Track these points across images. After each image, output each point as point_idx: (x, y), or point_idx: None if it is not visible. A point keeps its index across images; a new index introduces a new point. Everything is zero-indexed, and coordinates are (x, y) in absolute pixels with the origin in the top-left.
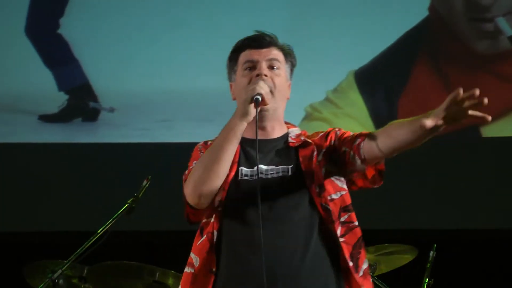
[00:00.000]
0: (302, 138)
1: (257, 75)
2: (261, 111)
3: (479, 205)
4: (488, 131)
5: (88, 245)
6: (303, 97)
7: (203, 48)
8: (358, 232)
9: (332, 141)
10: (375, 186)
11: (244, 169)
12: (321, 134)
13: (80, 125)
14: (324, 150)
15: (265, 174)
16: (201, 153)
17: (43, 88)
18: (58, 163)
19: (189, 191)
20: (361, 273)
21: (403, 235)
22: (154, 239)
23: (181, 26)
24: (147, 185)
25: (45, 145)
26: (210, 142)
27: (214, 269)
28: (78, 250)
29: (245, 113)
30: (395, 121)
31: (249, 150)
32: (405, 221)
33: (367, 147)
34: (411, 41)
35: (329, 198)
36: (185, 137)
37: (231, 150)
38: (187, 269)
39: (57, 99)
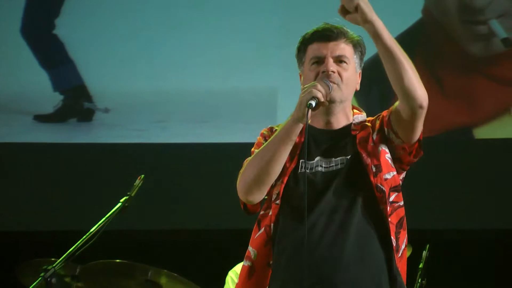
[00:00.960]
0: (362, 128)
1: (323, 72)
2: (327, 103)
3: (472, 205)
4: (481, 133)
5: (81, 244)
6: (297, 98)
7: (198, 49)
8: (401, 211)
9: (381, 122)
10: (417, 159)
11: (305, 161)
12: (379, 121)
13: (75, 125)
14: (376, 131)
15: (325, 167)
16: (264, 141)
17: (39, 88)
18: (53, 163)
19: (240, 187)
20: (399, 254)
21: None
22: (147, 238)
23: (176, 27)
24: (140, 184)
25: (40, 145)
26: (275, 128)
27: (271, 262)
28: (71, 249)
29: (300, 116)
30: None
31: (318, 138)
32: None
33: (394, 117)
34: (405, 43)
35: (384, 178)
36: (180, 138)
37: (285, 151)
38: (244, 262)
39: (53, 99)
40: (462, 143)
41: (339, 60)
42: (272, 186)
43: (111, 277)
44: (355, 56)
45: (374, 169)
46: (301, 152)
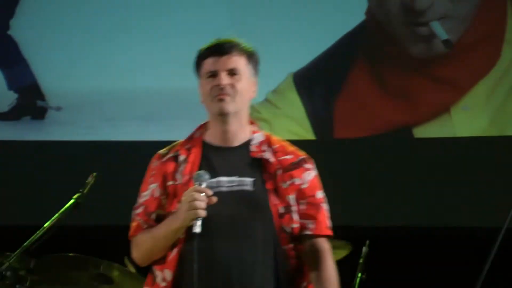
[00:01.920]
0: (266, 147)
1: (217, 85)
2: (223, 115)
3: (411, 203)
4: (420, 132)
5: (35, 238)
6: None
7: (146, 49)
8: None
9: (295, 181)
10: None
11: (197, 174)
12: (289, 157)
13: (28, 123)
14: (288, 179)
15: (227, 186)
16: (152, 177)
17: None
18: (7, 159)
19: (136, 260)
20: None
21: (338, 231)
22: (99, 233)
23: (125, 26)
24: (92, 182)
25: None
26: (164, 158)
27: (182, 281)
28: (25, 243)
29: (182, 226)
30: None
31: (212, 158)
32: (340, 218)
33: (303, 252)
34: (348, 44)
35: (292, 223)
36: (130, 135)
37: (172, 241)
38: (162, 283)
39: (7, 98)
40: (402, 142)
41: (231, 72)
42: (169, 214)
43: (65, 270)
44: (249, 66)
45: (282, 210)
46: (201, 169)
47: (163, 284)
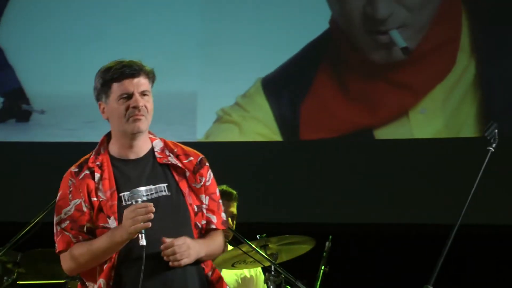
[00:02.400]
0: (168, 153)
1: (134, 106)
2: (138, 133)
3: (370, 201)
4: (381, 134)
5: (22, 234)
6: (215, 101)
7: (122, 54)
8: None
9: (204, 181)
10: None
11: (126, 194)
12: (191, 159)
13: (14, 125)
14: (198, 180)
15: (146, 195)
16: (70, 193)
17: None
18: None
19: (67, 269)
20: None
21: (303, 228)
22: None
23: (101, 35)
24: None
25: None
26: (84, 173)
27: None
28: (12, 239)
29: (129, 238)
30: (209, 240)
31: (124, 171)
32: (305, 216)
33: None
34: (313, 51)
35: (203, 219)
36: None
37: (113, 253)
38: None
39: None
40: (363, 143)
41: (143, 94)
42: (100, 227)
43: (49, 264)
44: (150, 86)
45: (196, 209)
46: (118, 184)
47: None
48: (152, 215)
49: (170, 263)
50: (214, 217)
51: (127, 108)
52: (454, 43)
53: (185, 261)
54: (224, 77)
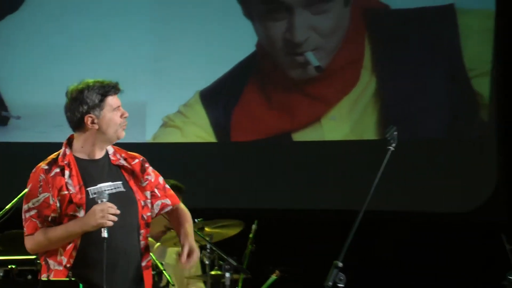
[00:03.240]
0: (119, 156)
1: (125, 117)
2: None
3: (289, 190)
4: (298, 137)
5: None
6: (162, 110)
7: (90, 71)
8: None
9: (149, 179)
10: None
11: (92, 189)
12: (136, 161)
13: None
14: (144, 178)
15: (109, 190)
16: (41, 188)
17: None
18: None
19: (29, 249)
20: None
21: (234, 212)
22: None
23: (68, 52)
24: None
25: None
26: (54, 172)
27: (81, 264)
28: None
29: (90, 230)
30: (186, 224)
31: (87, 169)
32: (236, 202)
33: (172, 218)
34: (244, 68)
35: (148, 212)
36: None
37: (71, 240)
38: (58, 267)
39: None
40: (283, 144)
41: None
42: (69, 215)
43: (22, 243)
44: None
45: (143, 204)
46: (84, 180)
47: (60, 268)
48: (116, 218)
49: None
50: (167, 199)
51: (121, 117)
52: (358, 63)
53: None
54: (169, 89)
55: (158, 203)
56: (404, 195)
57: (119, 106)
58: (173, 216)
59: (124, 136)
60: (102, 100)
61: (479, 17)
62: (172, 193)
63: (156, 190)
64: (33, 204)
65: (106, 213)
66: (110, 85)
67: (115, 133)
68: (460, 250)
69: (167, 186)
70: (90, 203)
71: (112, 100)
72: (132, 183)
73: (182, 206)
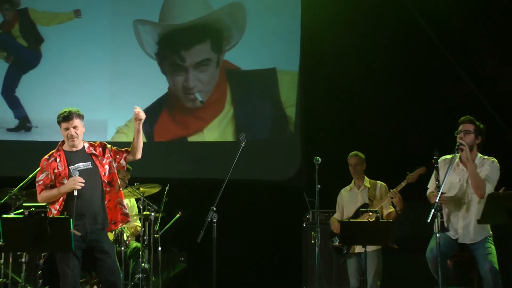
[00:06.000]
0: (91, 148)
1: (70, 134)
2: (73, 145)
3: (187, 167)
4: (190, 139)
5: (24, 182)
6: (116, 123)
7: (78, 96)
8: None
9: (111, 154)
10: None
11: (71, 167)
12: (101, 147)
13: (23, 133)
14: (105, 157)
15: (82, 167)
16: (45, 168)
17: None
18: None
19: (39, 201)
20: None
21: (156, 179)
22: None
23: (68, 84)
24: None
25: None
26: (55, 156)
27: (66, 211)
28: (21, 184)
29: (69, 191)
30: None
31: (70, 156)
32: (156, 172)
33: (126, 158)
34: (161, 101)
35: (108, 175)
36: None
37: (60, 196)
38: (54, 211)
39: None
40: (181, 144)
41: (75, 127)
42: (59, 182)
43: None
44: (80, 121)
45: (104, 173)
46: (68, 162)
47: (55, 212)
48: (82, 184)
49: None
50: (123, 153)
51: (67, 135)
52: (223, 99)
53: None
54: (120, 112)
55: (122, 156)
56: (249, 170)
57: (67, 128)
58: (129, 153)
59: (74, 145)
60: (59, 124)
61: (290, 74)
62: (121, 149)
63: (116, 156)
64: (41, 177)
65: (76, 181)
66: (61, 115)
67: (68, 142)
68: (279, 202)
69: (114, 148)
70: (70, 175)
71: (62, 125)
72: (97, 163)
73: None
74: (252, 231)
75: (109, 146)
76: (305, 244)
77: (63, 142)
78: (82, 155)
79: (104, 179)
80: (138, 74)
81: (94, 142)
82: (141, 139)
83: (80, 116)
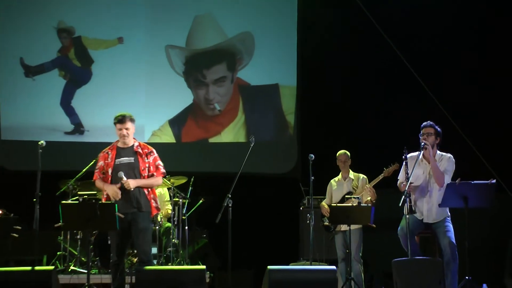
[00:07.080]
0: (140, 148)
1: (122, 134)
2: (126, 143)
3: (209, 162)
4: (211, 141)
5: (80, 174)
6: (151, 128)
7: (120, 104)
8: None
9: (149, 160)
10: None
11: (117, 160)
12: (146, 150)
13: (78, 135)
14: (148, 158)
15: (126, 161)
16: (100, 159)
17: None
18: None
19: (96, 186)
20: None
21: (182, 172)
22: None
23: (109, 96)
24: (41, 147)
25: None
26: (108, 151)
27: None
28: (77, 175)
29: (107, 192)
30: (146, 178)
31: (120, 152)
32: (184, 167)
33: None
34: (188, 109)
35: (145, 172)
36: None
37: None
38: (104, 194)
39: None
40: (203, 145)
41: (127, 129)
42: (105, 172)
43: (89, 185)
44: (131, 124)
45: (142, 167)
46: (117, 155)
47: (105, 196)
48: (119, 197)
49: (126, 186)
50: (155, 173)
51: (120, 134)
52: (236, 108)
53: (130, 185)
54: (154, 118)
55: (150, 168)
56: (257, 165)
57: (120, 129)
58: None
59: (125, 142)
60: (114, 124)
61: (289, 88)
62: (157, 169)
63: (150, 167)
64: (97, 166)
65: (117, 195)
66: (117, 118)
67: (120, 140)
68: (280, 190)
69: (157, 163)
70: (116, 167)
71: (117, 126)
72: (140, 159)
73: (156, 175)
74: (259, 214)
75: (153, 156)
76: (301, 224)
77: (118, 141)
78: (130, 151)
79: (143, 173)
80: (169, 88)
81: (146, 143)
82: (148, 184)
83: (132, 120)
